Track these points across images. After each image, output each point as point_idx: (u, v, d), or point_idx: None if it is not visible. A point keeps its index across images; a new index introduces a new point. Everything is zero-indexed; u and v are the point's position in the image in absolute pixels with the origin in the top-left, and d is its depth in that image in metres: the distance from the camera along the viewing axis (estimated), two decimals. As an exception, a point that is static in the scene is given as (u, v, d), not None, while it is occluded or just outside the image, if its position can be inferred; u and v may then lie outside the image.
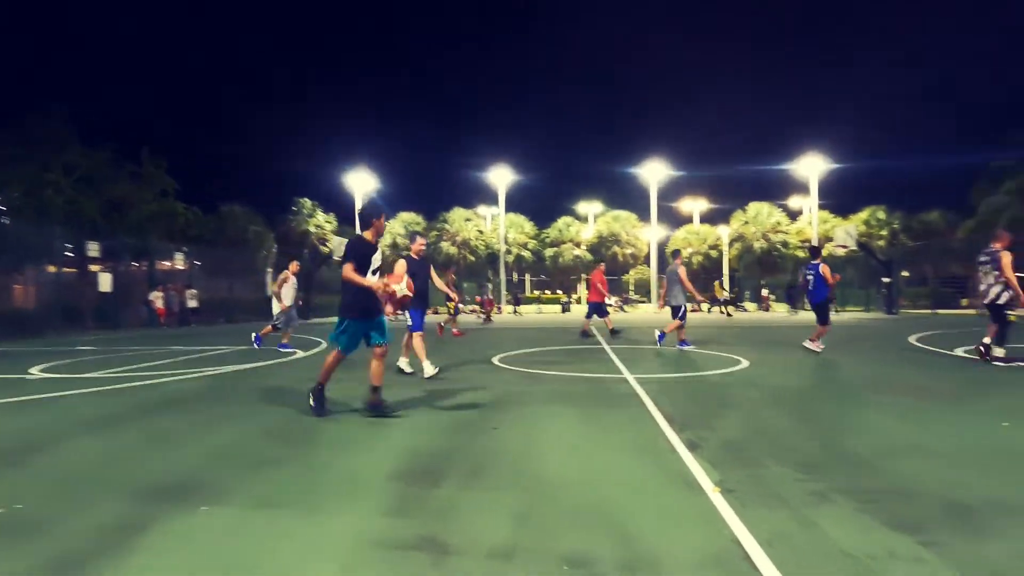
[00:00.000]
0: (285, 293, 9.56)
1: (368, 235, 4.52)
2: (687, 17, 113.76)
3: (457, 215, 41.65)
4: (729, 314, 25.81)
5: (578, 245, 43.70)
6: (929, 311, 24.24)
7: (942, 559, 2.03)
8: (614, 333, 12.03)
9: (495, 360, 8.20)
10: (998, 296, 6.92)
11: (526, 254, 42.33)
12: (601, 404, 4.95)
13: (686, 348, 9.50)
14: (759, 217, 40.45)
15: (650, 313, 29.30)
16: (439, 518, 2.46)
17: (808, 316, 18.68)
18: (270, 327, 9.89)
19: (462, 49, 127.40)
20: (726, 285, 40.09)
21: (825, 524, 2.34)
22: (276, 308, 9.67)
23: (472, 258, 40.30)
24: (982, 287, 7.27)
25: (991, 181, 29.03)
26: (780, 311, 30.19)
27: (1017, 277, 6.84)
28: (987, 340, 7.13)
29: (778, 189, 40.62)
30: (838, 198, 40.51)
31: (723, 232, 42.64)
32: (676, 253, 11.30)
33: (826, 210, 38.29)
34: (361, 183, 30.87)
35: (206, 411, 4.96)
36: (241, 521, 2.49)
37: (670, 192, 41.57)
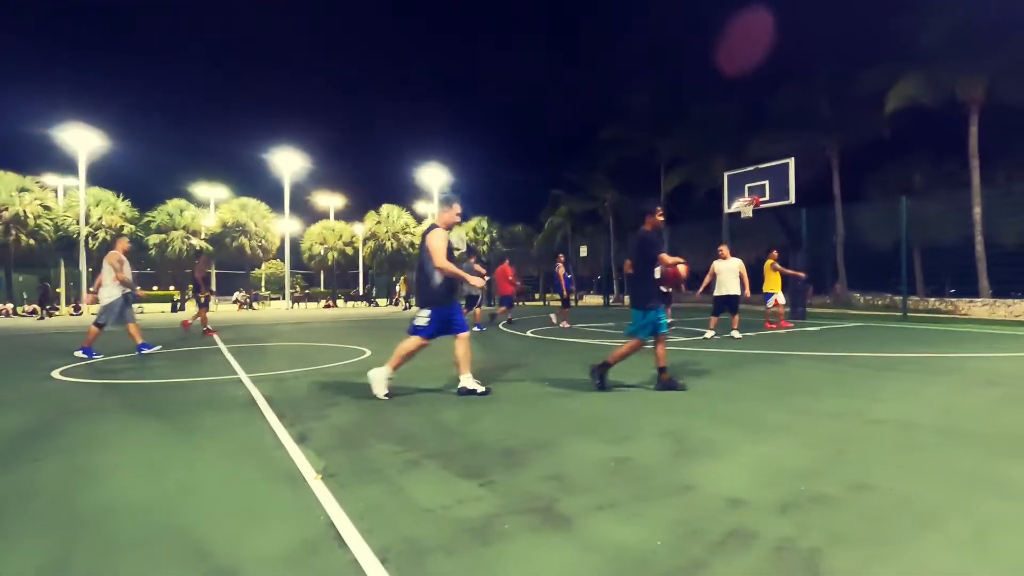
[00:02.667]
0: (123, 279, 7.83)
1: (649, 228, 4.88)
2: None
3: (4, 182, 30.18)
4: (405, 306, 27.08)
5: (195, 233, 37.79)
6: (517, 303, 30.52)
7: (495, 494, 2.50)
8: (490, 318, 12.45)
9: (56, 373, 6.29)
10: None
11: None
12: (202, 410, 4.34)
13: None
14: (390, 218, 43.27)
15: (282, 311, 27.83)
16: None
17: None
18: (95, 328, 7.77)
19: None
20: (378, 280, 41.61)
21: (412, 488, 2.59)
22: (108, 299, 7.70)
23: (31, 241, 29.94)
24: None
25: (553, 205, 38.59)
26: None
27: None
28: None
29: (407, 193, 44.28)
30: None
31: (358, 230, 43.93)
32: (472, 253, 12.83)
33: (444, 217, 43.93)
34: None
35: None
36: None
37: (305, 185, 40.41)
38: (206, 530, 2.17)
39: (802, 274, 12.80)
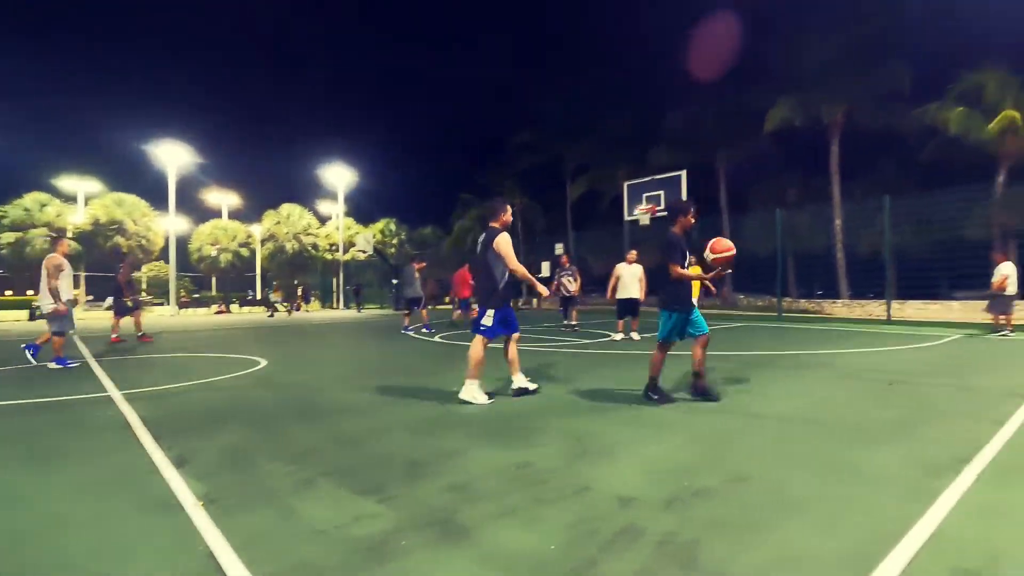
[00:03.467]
0: (63, 285, 7.27)
1: (677, 229, 4.70)
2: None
3: None
4: (284, 312, 25.80)
5: (61, 231, 33.55)
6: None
7: (393, 509, 2.43)
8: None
9: None
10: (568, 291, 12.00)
11: (-35, 238, 29.51)
12: (65, 434, 3.86)
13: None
14: (291, 218, 41.04)
15: (166, 316, 25.52)
16: None
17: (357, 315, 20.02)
18: (49, 336, 7.29)
19: None
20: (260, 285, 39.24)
21: (305, 509, 2.46)
22: (49, 307, 7.19)
23: None
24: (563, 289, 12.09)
25: (463, 208, 38.58)
26: (313, 310, 31.55)
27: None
28: (571, 321, 12.03)
29: (310, 193, 42.25)
30: (361, 208, 45.45)
31: (255, 230, 41.25)
32: (414, 257, 13.96)
33: (351, 217, 42.39)
34: None
35: None
36: None
37: (195, 181, 37.29)
38: (72, 568, 1.93)
39: None
